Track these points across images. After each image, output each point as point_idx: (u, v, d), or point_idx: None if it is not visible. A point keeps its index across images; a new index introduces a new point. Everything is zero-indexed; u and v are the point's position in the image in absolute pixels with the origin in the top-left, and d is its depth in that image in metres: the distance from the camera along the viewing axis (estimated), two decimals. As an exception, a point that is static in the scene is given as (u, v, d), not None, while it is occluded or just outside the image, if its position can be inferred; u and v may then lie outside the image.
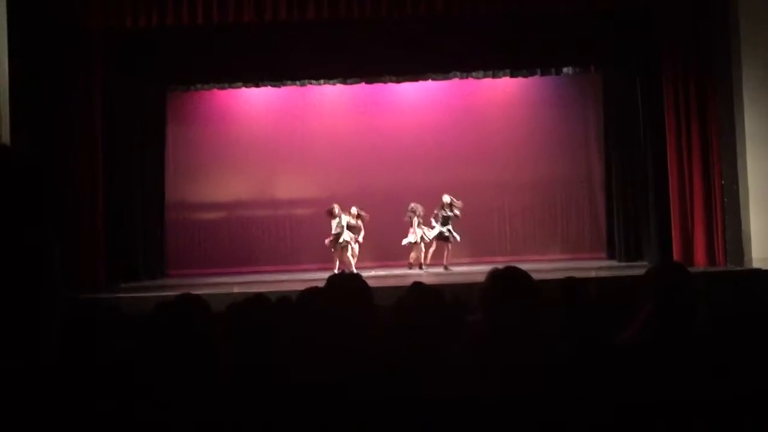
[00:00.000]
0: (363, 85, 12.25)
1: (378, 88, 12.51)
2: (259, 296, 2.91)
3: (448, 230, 11.23)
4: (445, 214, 11.27)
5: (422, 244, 11.24)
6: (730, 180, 10.05)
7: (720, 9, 10.02)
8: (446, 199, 11.27)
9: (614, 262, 11.64)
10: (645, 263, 10.63)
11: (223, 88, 12.33)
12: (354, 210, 11.11)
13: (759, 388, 2.21)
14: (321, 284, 2.63)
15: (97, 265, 10.23)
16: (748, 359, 2.35)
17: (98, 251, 10.27)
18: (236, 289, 9.07)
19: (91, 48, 10.25)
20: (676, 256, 10.20)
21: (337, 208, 11.05)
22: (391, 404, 2.07)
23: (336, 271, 9.98)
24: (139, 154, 11.58)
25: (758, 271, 9.17)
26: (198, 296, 2.42)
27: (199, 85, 12.17)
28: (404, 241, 11.28)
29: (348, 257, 11.05)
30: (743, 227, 9.82)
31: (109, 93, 10.65)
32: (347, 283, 2.53)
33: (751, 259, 9.58)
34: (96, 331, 2.31)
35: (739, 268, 9.64)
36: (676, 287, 2.57)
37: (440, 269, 11.16)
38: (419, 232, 11.12)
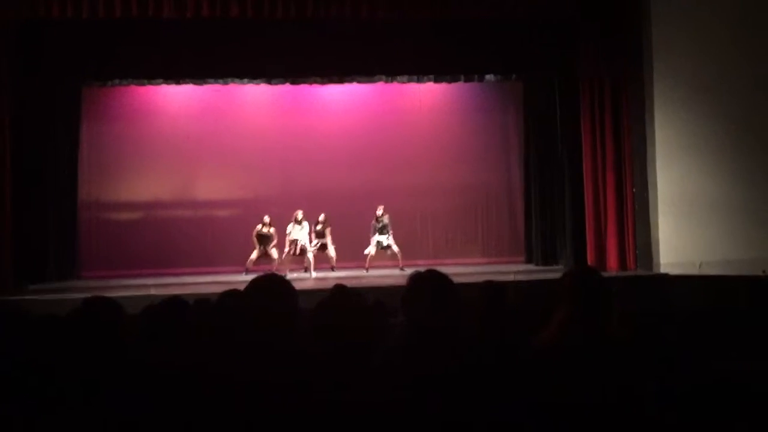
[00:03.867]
0: (287, 85, 12.12)
1: (303, 89, 12.41)
2: (177, 299, 2.84)
3: (387, 239, 11.39)
4: (379, 225, 11.38)
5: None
6: (641, 187, 10.44)
7: (634, 20, 10.40)
8: (379, 211, 11.43)
9: (532, 266, 11.93)
10: (561, 267, 10.95)
11: (142, 85, 11.96)
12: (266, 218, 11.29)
13: (668, 388, 2.29)
14: (241, 287, 2.58)
15: (3, 266, 9.79)
16: (658, 360, 2.44)
17: (4, 252, 9.83)
18: (153, 291, 8.84)
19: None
20: (590, 260, 10.55)
21: (301, 214, 11.10)
22: (310, 407, 2.04)
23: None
24: (50, 152, 11.13)
25: (666, 275, 9.58)
26: (109, 298, 2.34)
27: (116, 81, 11.71)
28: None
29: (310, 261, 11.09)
30: (652, 233, 10.22)
31: (18, 88, 10.20)
32: (271, 286, 2.49)
33: (659, 264, 9.99)
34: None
35: (648, 273, 10.04)
36: (590, 291, 2.65)
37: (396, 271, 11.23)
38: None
